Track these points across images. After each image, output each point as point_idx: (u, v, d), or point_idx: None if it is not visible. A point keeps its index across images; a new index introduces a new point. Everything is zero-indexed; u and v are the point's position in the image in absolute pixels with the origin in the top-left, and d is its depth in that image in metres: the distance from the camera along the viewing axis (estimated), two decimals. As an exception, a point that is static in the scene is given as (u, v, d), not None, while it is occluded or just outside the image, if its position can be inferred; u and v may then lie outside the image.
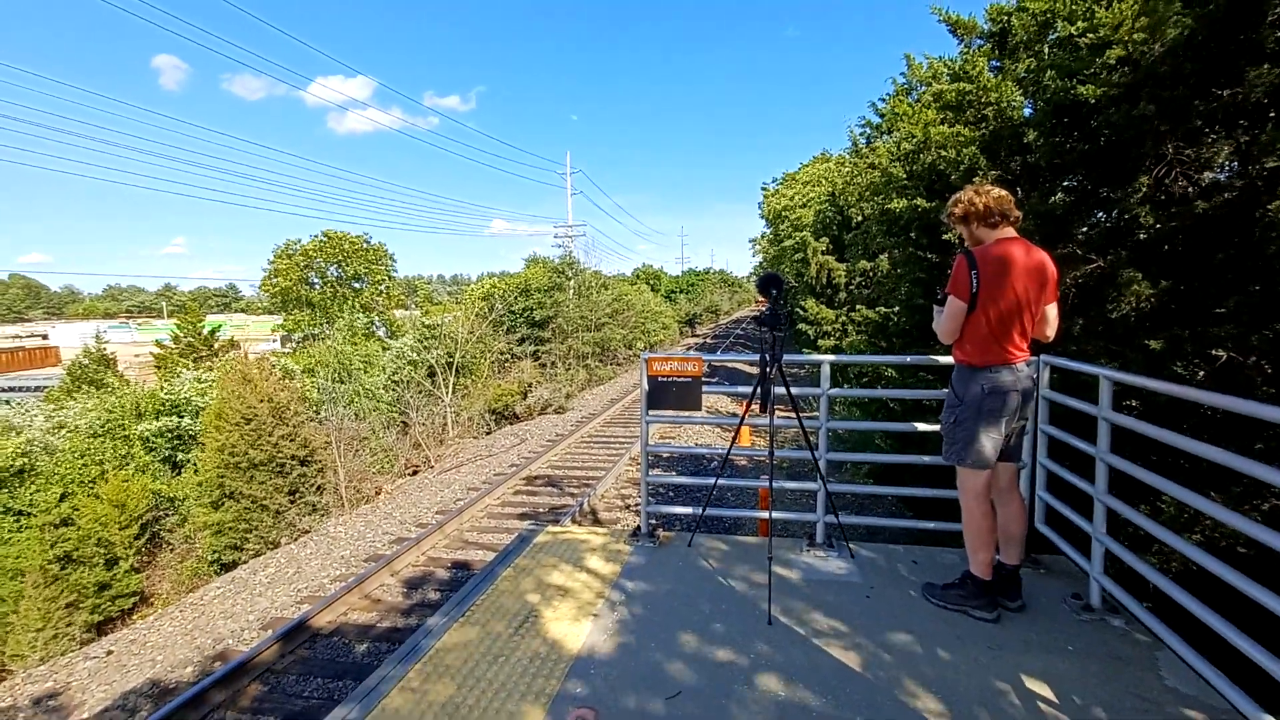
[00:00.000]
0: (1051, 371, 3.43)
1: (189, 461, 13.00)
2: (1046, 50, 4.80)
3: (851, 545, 3.76)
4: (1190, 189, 3.94)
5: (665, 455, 11.22)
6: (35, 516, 9.45)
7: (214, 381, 15.16)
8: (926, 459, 3.83)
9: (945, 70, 5.76)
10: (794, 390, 3.51)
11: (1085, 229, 4.35)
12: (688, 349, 35.60)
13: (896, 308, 6.84)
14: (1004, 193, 2.84)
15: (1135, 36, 3.44)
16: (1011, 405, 2.82)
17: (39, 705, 5.71)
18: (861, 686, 2.51)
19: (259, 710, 4.80)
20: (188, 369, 19.19)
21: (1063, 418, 3.54)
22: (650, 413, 3.93)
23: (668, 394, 3.87)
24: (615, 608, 3.17)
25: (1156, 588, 2.59)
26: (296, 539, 10.20)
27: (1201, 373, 3.81)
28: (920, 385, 5.28)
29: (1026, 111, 4.84)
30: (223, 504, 10.29)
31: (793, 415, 3.45)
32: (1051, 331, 2.91)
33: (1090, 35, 3.78)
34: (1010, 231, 2.85)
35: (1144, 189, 3.90)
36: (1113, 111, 3.57)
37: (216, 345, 27.94)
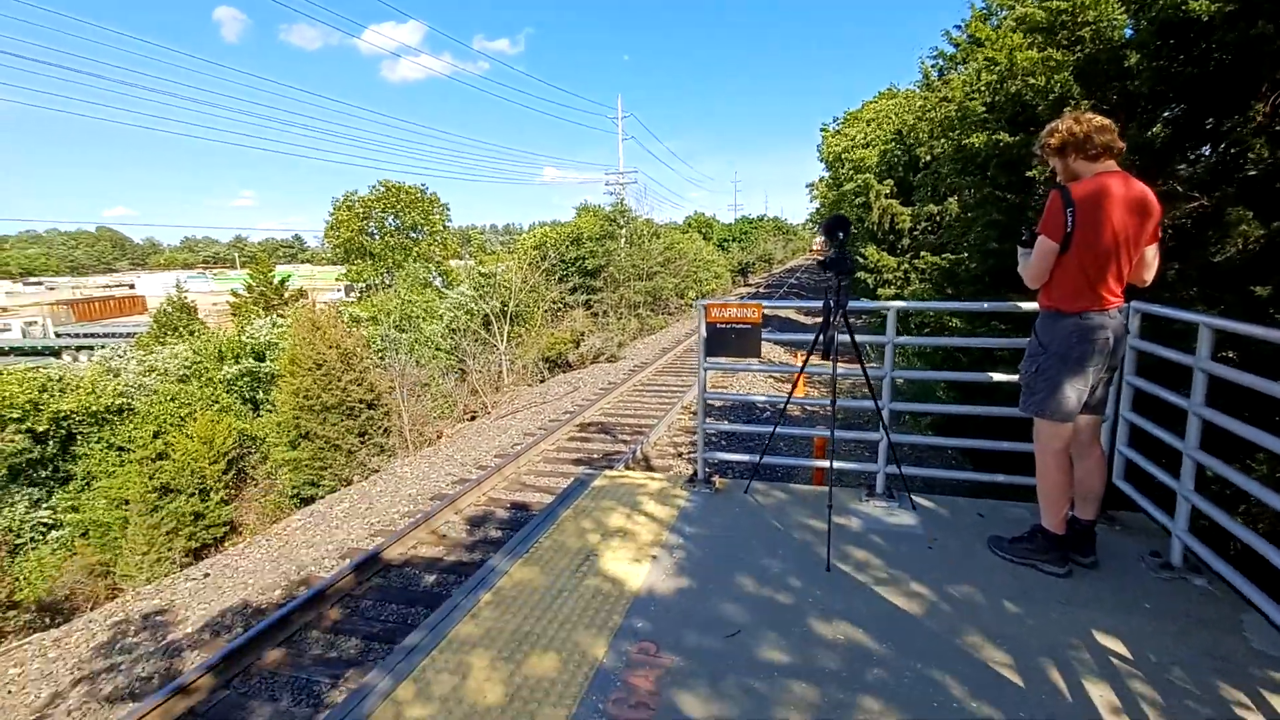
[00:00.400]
0: (1143, 319, 3.19)
1: (266, 402, 13.84)
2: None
3: (914, 496, 3.70)
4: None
5: (719, 405, 11.22)
6: (134, 452, 10.31)
7: (288, 327, 15.95)
8: (996, 410, 3.68)
9: (1035, -11, 5.24)
10: (857, 338, 3.40)
11: (1187, 165, 3.96)
12: (740, 299, 35.12)
13: (967, 253, 6.49)
14: (1107, 121, 2.59)
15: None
16: (1102, 353, 2.64)
17: (147, 620, 6.36)
18: (922, 634, 2.50)
19: (339, 631, 5.20)
20: (261, 316, 20.26)
21: (1151, 369, 3.32)
22: (708, 359, 3.89)
23: (726, 340, 3.81)
24: (673, 551, 3.24)
25: (1239, 550, 2.45)
26: (367, 477, 10.82)
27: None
28: (990, 334, 5.03)
29: (1127, 33, 4.38)
30: (299, 443, 10.96)
31: (855, 364, 3.36)
32: (1150, 275, 2.69)
33: (1212, -61, 3.33)
34: (1112, 165, 2.61)
35: (1259, 117, 3.50)
36: (1228, 31, 3.18)
37: (286, 294, 29.31)
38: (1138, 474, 3.28)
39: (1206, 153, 4.35)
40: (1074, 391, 2.68)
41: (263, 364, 14.95)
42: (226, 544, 10.01)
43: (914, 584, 2.86)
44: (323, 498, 10.30)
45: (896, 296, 13.93)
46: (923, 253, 12.23)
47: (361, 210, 33.66)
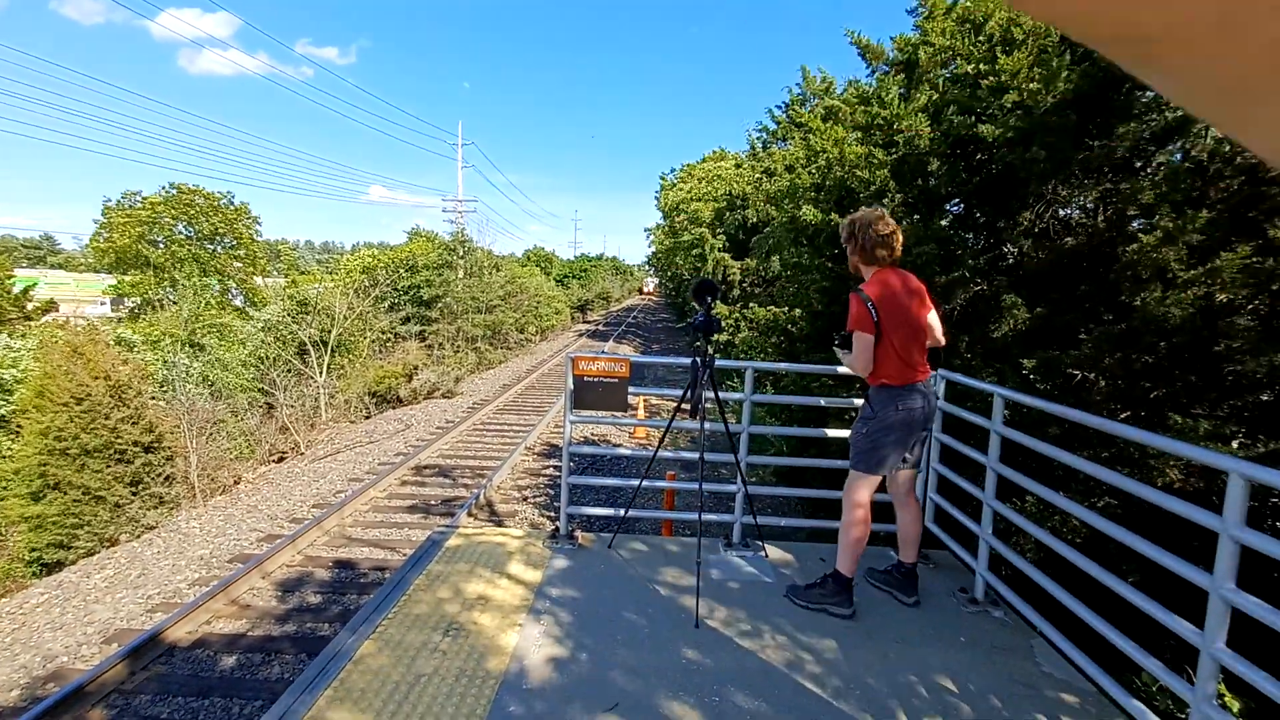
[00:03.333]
0: (948, 385, 3.75)
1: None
2: (943, 83, 5.22)
3: (766, 545, 3.92)
4: (1059, 226, 4.47)
5: (578, 457, 11.12)
6: None
7: (30, 351, 12.95)
8: (825, 463, 4.11)
9: (855, 94, 6.09)
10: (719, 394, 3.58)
11: (970, 255, 4.78)
12: (579, 334, 35.44)
13: (799, 311, 7.20)
14: (894, 227, 3.01)
15: (1030, 86, 3.81)
16: (920, 419, 3.06)
17: None
18: (788, 687, 2.63)
19: (104, 739, 4.19)
20: (-10, 334, 16.22)
21: (954, 427, 3.90)
22: (575, 412, 3.84)
23: (594, 393, 3.80)
24: (540, 617, 3.09)
25: (1032, 582, 2.94)
26: (139, 535, 9.01)
27: (1049, 385, 4.36)
28: (820, 392, 5.59)
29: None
30: (45, 495, 8.84)
31: (715, 419, 3.53)
32: (940, 336, 3.18)
33: (991, 79, 4.14)
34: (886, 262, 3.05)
35: (1025, 222, 4.36)
36: (1008, 152, 3.93)
37: (30, 306, 23.92)
38: (945, 518, 3.80)
39: (981, 245, 5.32)
40: (895, 454, 3.07)
41: (-9, 394, 11.92)
42: (-79, 632, 7.66)
43: (773, 634, 3.01)
44: (74, 563, 8.36)
45: (727, 343, 15.04)
46: (751, 304, 13.38)
47: (146, 214, 28.83)
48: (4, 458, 10.02)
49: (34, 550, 8.91)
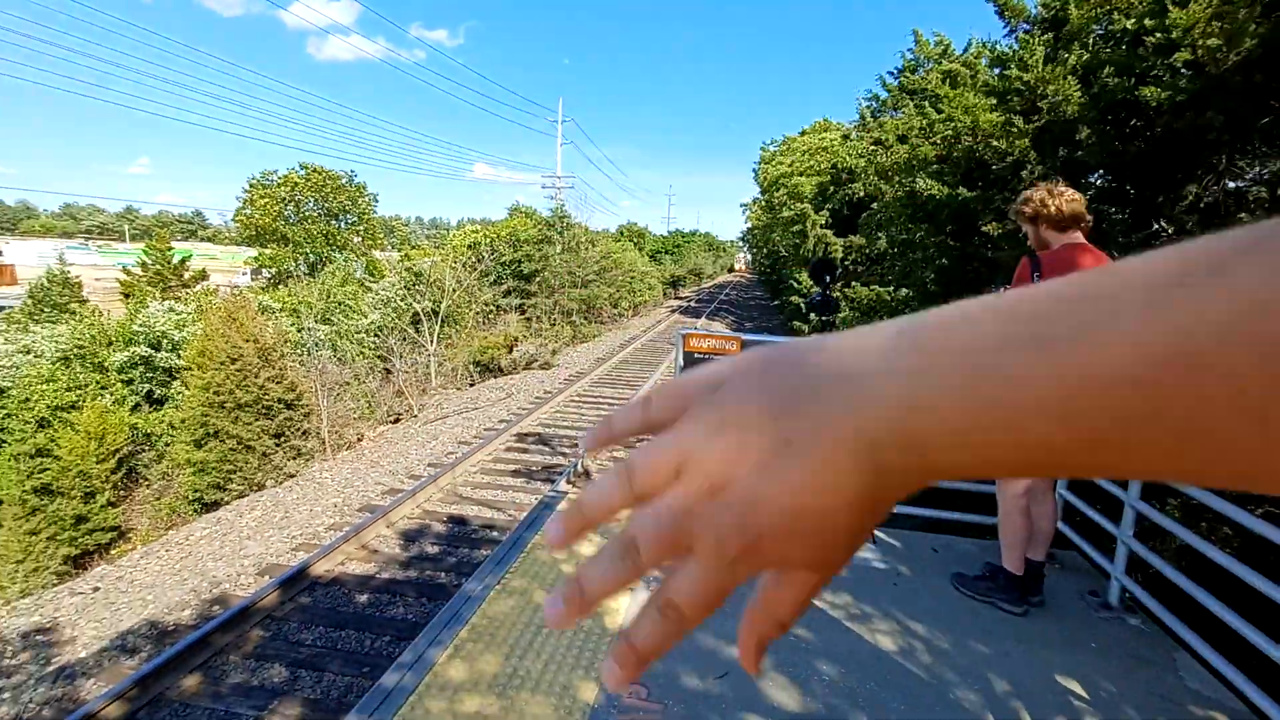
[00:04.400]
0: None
1: (170, 397, 12.66)
2: (1095, 42, 4.72)
3: (877, 531, 3.84)
4: (1231, 201, 3.97)
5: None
6: (9, 444, 9.15)
7: (190, 315, 14.68)
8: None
9: (987, 53, 5.65)
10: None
11: (1122, 234, 4.36)
12: (671, 310, 35.54)
13: (906, 291, 6.86)
14: (1078, 196, 2.81)
15: (1209, 42, 3.39)
16: None
17: (27, 640, 5.63)
18: (900, 674, 2.59)
19: (263, 656, 4.80)
20: (156, 298, 18.51)
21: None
22: (684, 388, 3.90)
23: (703, 371, 3.84)
24: (650, 582, 3.19)
25: (1173, 590, 2.71)
26: (282, 483, 10.09)
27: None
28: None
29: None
30: (206, 442, 10.09)
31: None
32: None
33: (1158, 35, 3.71)
34: (1079, 237, 2.83)
35: (1189, 197, 3.91)
36: (1174, 118, 3.54)
37: (186, 275, 27.00)
38: (1073, 515, 3.56)
39: (1127, 220, 4.83)
40: None
41: (158, 352, 13.64)
42: (114, 552, 9.04)
43: (884, 621, 2.97)
44: (229, 504, 9.51)
45: (828, 323, 14.60)
46: (853, 283, 12.87)
47: (283, 192, 31.58)
48: (176, 408, 11.48)
49: (196, 491, 10.22)
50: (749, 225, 36.66)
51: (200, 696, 4.35)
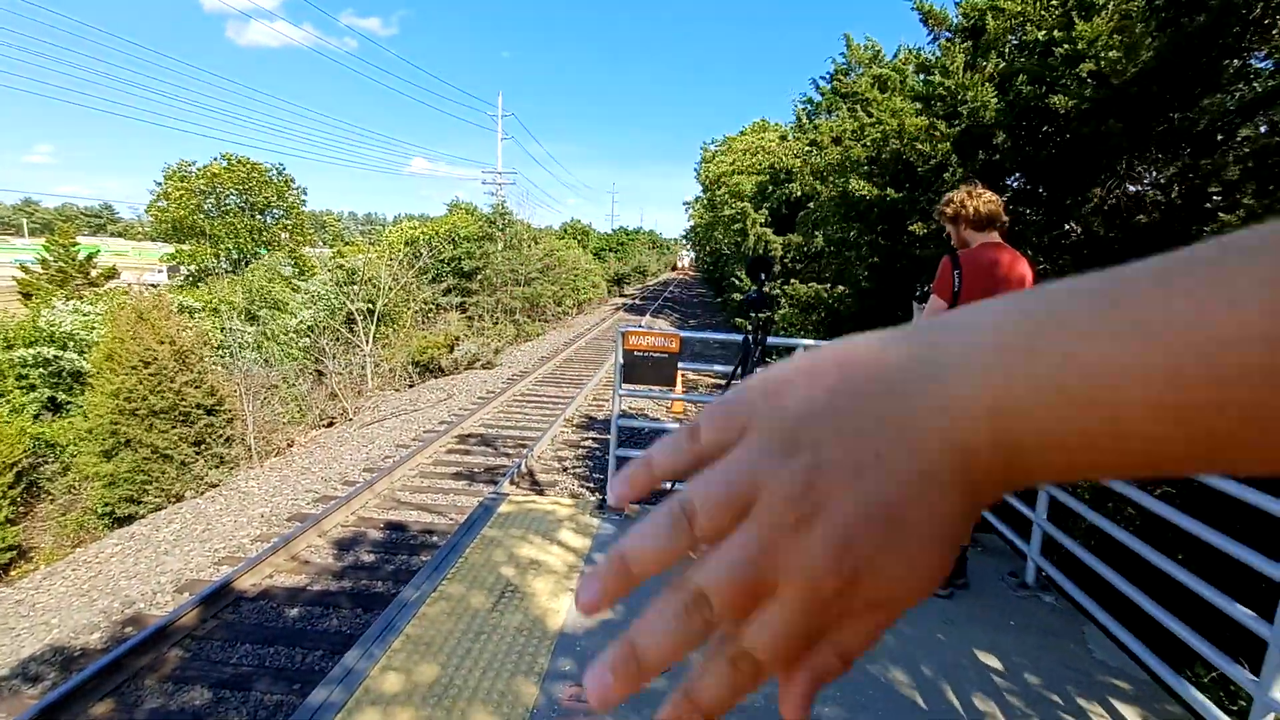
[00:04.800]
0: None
1: (71, 404, 11.75)
2: (1011, 51, 4.99)
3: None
4: (1130, 203, 4.28)
5: (626, 430, 11.25)
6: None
7: (100, 316, 13.65)
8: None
9: (914, 59, 5.88)
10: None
11: (1035, 234, 4.63)
12: (616, 308, 35.54)
13: (842, 289, 7.08)
14: (995, 198, 2.97)
15: (1110, 54, 3.63)
16: None
17: (-93, 674, 5.10)
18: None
19: (183, 679, 4.51)
20: (60, 299, 17.12)
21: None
22: (624, 386, 3.90)
23: (644, 367, 3.84)
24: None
25: (1084, 568, 2.90)
26: (203, 493, 9.52)
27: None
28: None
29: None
30: (117, 452, 9.40)
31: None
32: None
33: (1065, 46, 3.95)
34: (996, 237, 2.98)
35: (1094, 199, 4.19)
36: (1080, 125, 3.77)
37: (94, 273, 25.10)
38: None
39: (1039, 220, 5.13)
40: None
41: (64, 354, 12.63)
42: (13, 573, 8.32)
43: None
44: (144, 517, 8.90)
45: (768, 319, 14.94)
46: (792, 280, 13.20)
47: (202, 184, 29.77)
48: (85, 416, 10.65)
49: (106, 504, 9.52)
50: (692, 224, 37.05)
51: (111, 725, 4.05)
